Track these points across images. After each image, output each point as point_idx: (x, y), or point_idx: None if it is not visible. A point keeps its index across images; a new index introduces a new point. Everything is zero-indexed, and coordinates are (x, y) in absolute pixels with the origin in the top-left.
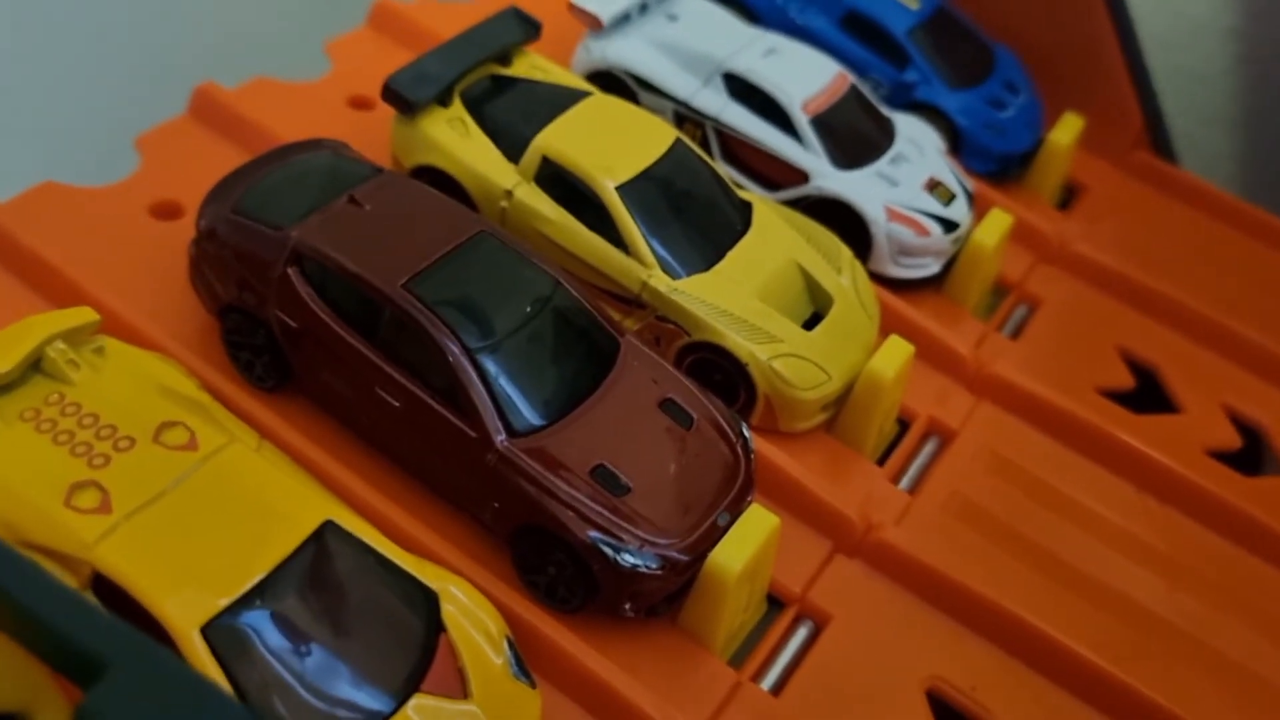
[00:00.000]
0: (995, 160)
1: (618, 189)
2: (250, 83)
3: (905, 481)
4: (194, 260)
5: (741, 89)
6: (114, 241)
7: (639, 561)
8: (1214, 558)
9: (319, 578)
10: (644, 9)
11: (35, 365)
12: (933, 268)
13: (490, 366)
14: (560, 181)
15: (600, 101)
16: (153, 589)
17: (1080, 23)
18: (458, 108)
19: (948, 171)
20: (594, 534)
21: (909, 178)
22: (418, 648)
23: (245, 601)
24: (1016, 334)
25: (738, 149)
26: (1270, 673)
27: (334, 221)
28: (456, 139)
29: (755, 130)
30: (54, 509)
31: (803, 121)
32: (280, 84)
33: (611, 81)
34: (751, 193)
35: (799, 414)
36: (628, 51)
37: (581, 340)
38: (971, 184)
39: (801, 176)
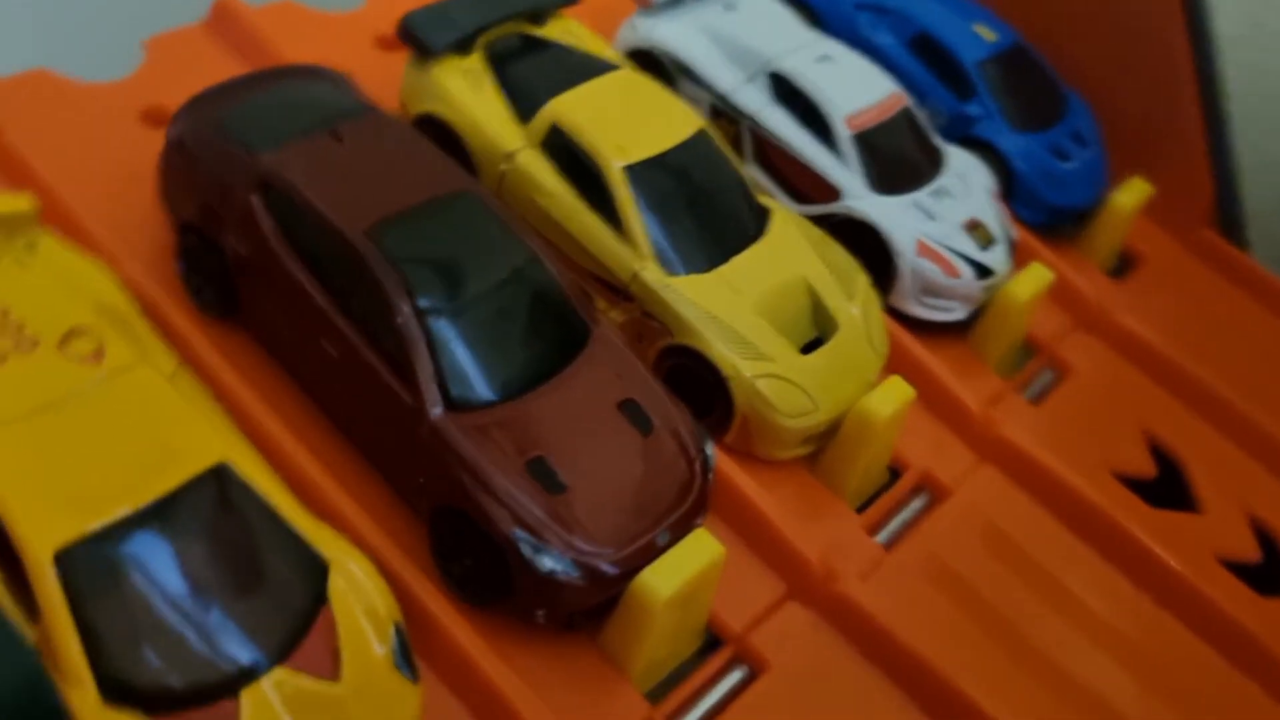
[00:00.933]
0: (1048, 212)
1: (624, 169)
2: (276, 4)
3: (883, 535)
4: (161, 170)
5: (786, 91)
6: (94, 140)
7: (559, 567)
8: (1201, 669)
9: (198, 521)
10: None
11: None
12: (958, 313)
13: (440, 332)
14: (567, 152)
15: (627, 77)
16: (11, 504)
17: (1164, 85)
18: (476, 59)
19: (992, 215)
20: (516, 530)
21: (948, 214)
22: (293, 618)
23: (111, 533)
24: (1038, 399)
25: (771, 154)
26: None
27: (309, 154)
28: (468, 91)
29: (792, 137)
30: None
31: (844, 135)
32: (306, 10)
33: (651, 62)
34: (774, 200)
35: (777, 441)
36: (674, 33)
37: (548, 322)
38: (1017, 233)
39: (833, 193)
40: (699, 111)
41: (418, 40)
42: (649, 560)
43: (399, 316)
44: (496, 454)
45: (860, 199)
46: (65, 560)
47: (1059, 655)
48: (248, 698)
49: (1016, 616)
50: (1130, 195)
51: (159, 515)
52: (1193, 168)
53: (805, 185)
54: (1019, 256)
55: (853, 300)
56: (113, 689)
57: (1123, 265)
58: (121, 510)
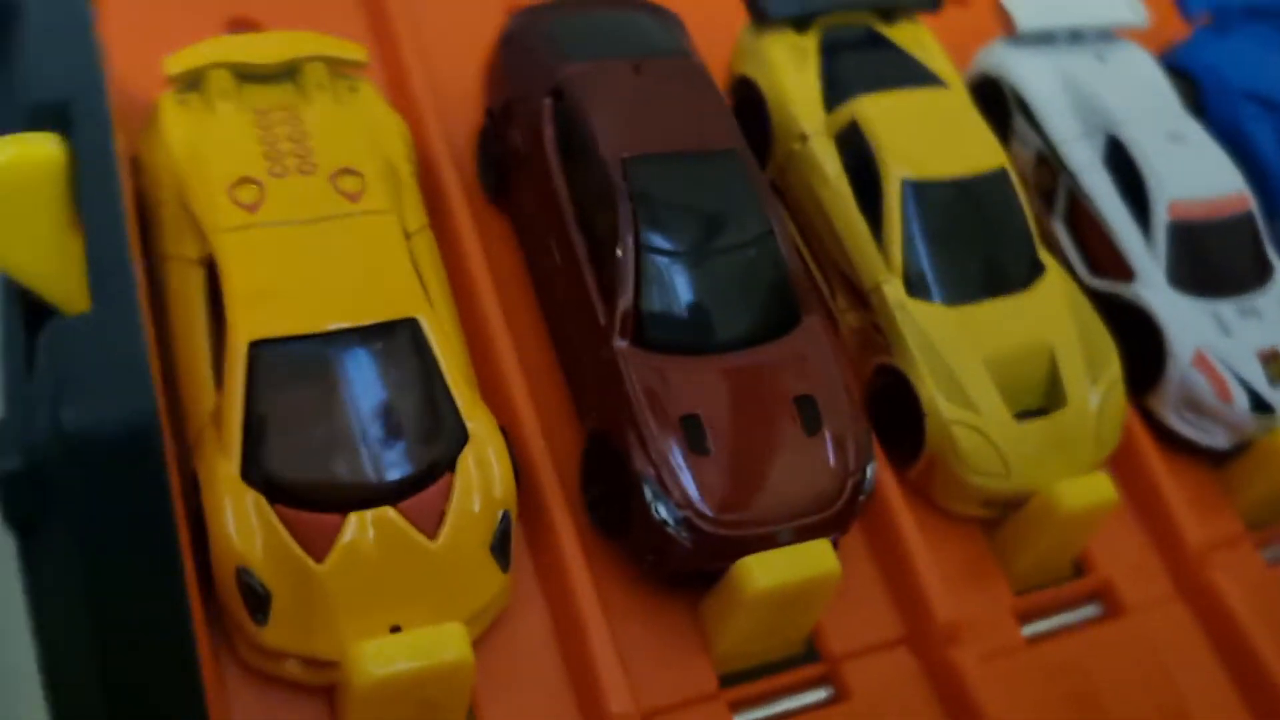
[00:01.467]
0: None
1: (904, 181)
2: None
3: (1031, 627)
4: (489, 58)
5: (1118, 158)
6: (458, 14)
7: (670, 519)
8: None
9: (373, 359)
10: (1076, 38)
11: (292, 72)
12: (1219, 440)
13: (650, 272)
14: (856, 149)
15: (947, 96)
16: (238, 292)
17: None
18: (810, 39)
19: None
20: (647, 470)
21: (1247, 335)
22: (419, 472)
23: (300, 343)
24: (1276, 561)
25: (1080, 214)
26: None
27: (606, 76)
28: (789, 66)
29: (1108, 205)
30: (217, 188)
31: (1161, 220)
32: None
33: (996, 90)
34: (1054, 260)
35: (957, 493)
36: (1028, 68)
37: (760, 298)
38: None
39: (1128, 274)
40: (1028, 153)
41: (758, 7)
42: (760, 549)
43: (620, 246)
44: (657, 397)
45: (1153, 289)
46: (256, 351)
47: None
48: (352, 521)
49: None
50: None
51: (343, 342)
52: None
53: (1103, 257)
54: None
55: (1095, 385)
56: (251, 468)
57: None
58: (315, 327)
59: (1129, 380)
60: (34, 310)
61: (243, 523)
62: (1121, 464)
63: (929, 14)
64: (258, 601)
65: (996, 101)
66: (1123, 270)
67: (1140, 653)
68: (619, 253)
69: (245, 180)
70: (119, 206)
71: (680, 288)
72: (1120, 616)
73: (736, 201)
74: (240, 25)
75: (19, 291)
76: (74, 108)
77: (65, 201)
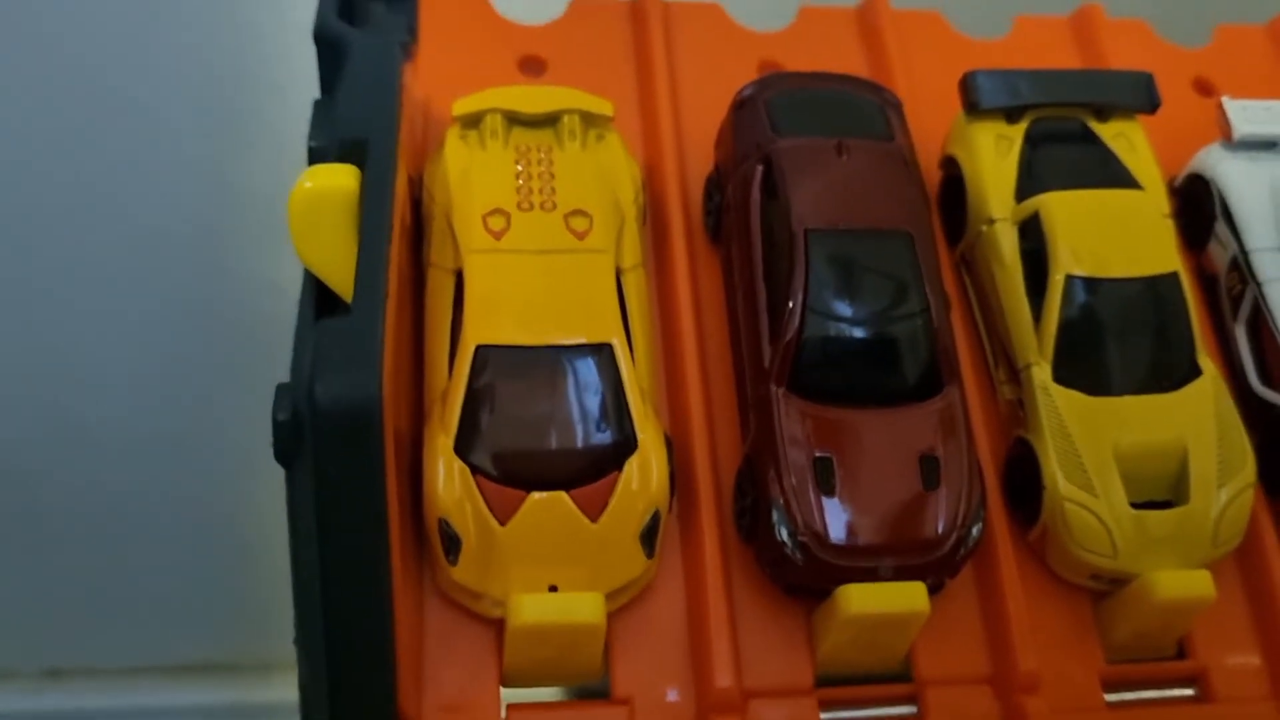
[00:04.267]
0: None
1: (1071, 277)
2: (920, 11)
3: (1117, 695)
4: (724, 118)
5: None
6: (717, 70)
7: (789, 540)
8: None
9: (572, 373)
10: None
11: (553, 120)
12: None
13: (813, 329)
14: (1036, 239)
15: (1137, 198)
16: (475, 303)
17: None
18: (1017, 130)
19: None
20: (779, 497)
21: None
22: (593, 467)
23: (514, 351)
24: None
25: (1262, 325)
26: None
27: (810, 153)
28: (991, 153)
29: None
30: (474, 215)
31: None
32: (945, 24)
33: (1204, 189)
34: (1212, 365)
35: (1065, 563)
36: (1237, 173)
37: (905, 364)
38: None
39: None
40: (1223, 258)
41: (970, 96)
42: (862, 580)
43: (791, 303)
44: (797, 438)
45: None
46: (480, 353)
47: None
48: (532, 497)
49: None
50: None
51: (549, 356)
52: None
53: (1274, 368)
54: None
55: (1223, 488)
56: (462, 443)
57: None
58: (526, 340)
59: (1273, 489)
60: (325, 300)
61: (449, 484)
62: (1244, 562)
63: (1147, 113)
64: (452, 545)
65: (1204, 202)
66: None
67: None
68: (790, 305)
69: (497, 211)
70: (387, 232)
71: (835, 345)
72: (1210, 704)
73: (899, 278)
74: (530, 63)
75: (317, 283)
76: (371, 146)
77: (354, 220)
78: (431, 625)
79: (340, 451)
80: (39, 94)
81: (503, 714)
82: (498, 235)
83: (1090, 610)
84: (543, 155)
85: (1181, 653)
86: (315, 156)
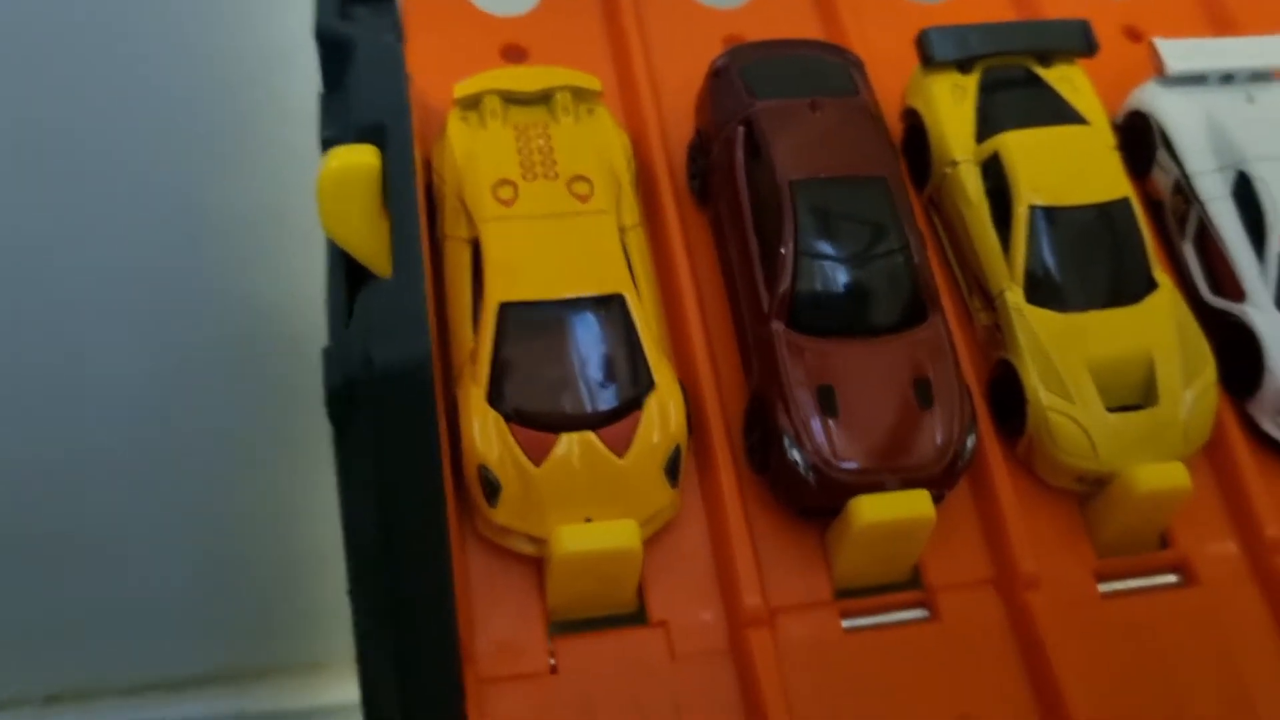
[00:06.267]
0: None
1: (1033, 207)
2: None
3: (1109, 585)
4: (701, 87)
5: (1244, 192)
6: (689, 48)
7: (801, 463)
8: None
9: (586, 322)
10: (1228, 79)
11: (546, 97)
12: None
13: (806, 271)
14: (998, 176)
15: (1085, 132)
16: (494, 267)
17: None
18: (970, 79)
19: None
20: (788, 426)
21: None
22: (616, 408)
23: (535, 306)
24: None
25: (1207, 240)
26: None
27: (787, 112)
28: (949, 102)
29: (1230, 233)
30: (483, 187)
31: (1275, 248)
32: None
33: (1144, 124)
34: (1167, 278)
35: (1051, 469)
36: (1172, 107)
37: (891, 297)
38: None
39: (1240, 295)
40: (1167, 183)
41: (926, 51)
42: (869, 490)
43: (784, 248)
44: (800, 371)
45: (1261, 310)
46: (504, 310)
47: None
48: (563, 439)
49: (1189, 716)
50: None
51: (567, 308)
52: None
53: (1223, 279)
54: None
55: (1188, 388)
56: (494, 395)
57: None
58: (546, 295)
59: (1233, 388)
60: (352, 272)
61: (485, 433)
62: (1215, 459)
63: (1085, 57)
64: (492, 490)
65: (1145, 134)
66: (1236, 292)
67: (1209, 622)
68: (782, 252)
69: (504, 182)
70: (414, 203)
71: (827, 284)
72: (1194, 587)
73: (879, 219)
74: (512, 50)
75: (344, 257)
76: (388, 128)
77: (378, 196)
78: (476, 569)
79: (398, 410)
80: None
81: (549, 645)
82: (508, 204)
83: (1078, 512)
84: (540, 129)
85: (1164, 544)
86: (328, 145)
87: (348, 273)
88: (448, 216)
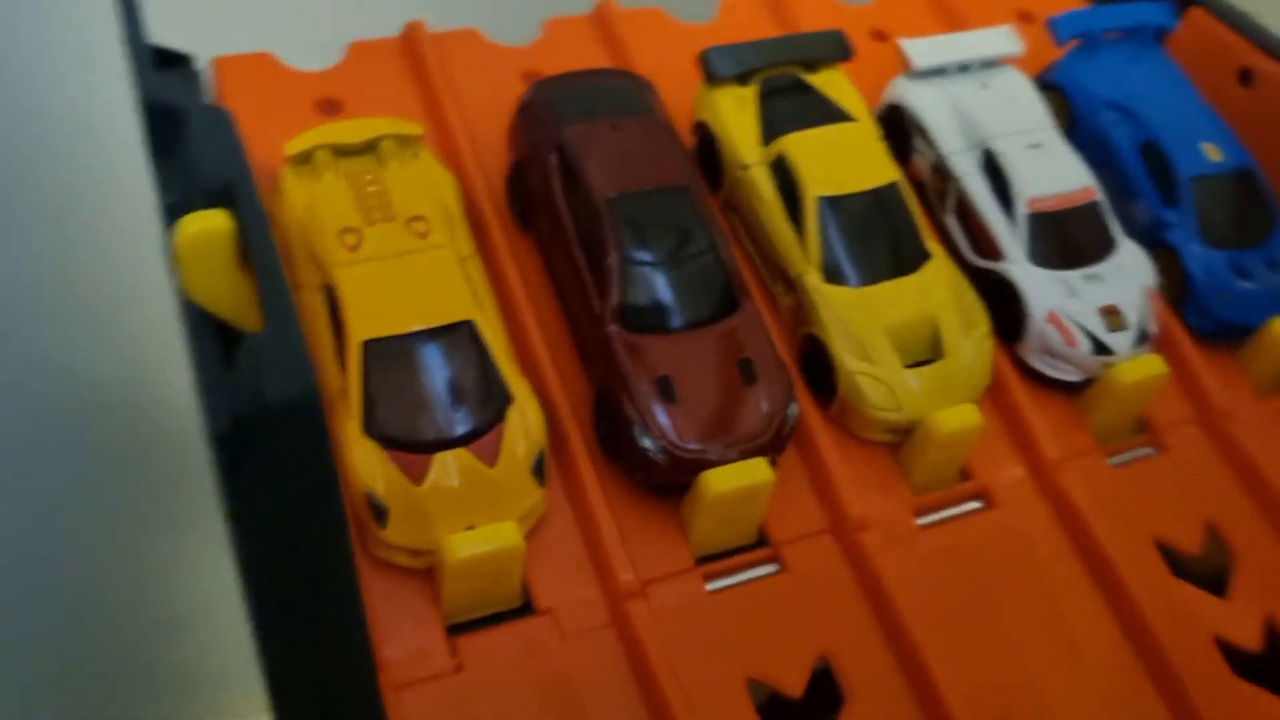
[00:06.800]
0: (1216, 323)
1: (819, 198)
2: (643, 9)
3: (925, 518)
4: (511, 120)
5: (992, 166)
6: (491, 89)
7: (652, 448)
8: (1140, 713)
9: (443, 349)
10: (965, 69)
11: (373, 146)
12: (1072, 376)
13: (632, 277)
14: (785, 174)
15: (853, 128)
16: (351, 308)
17: None
18: (749, 90)
19: (1135, 306)
20: (635, 416)
21: (1091, 296)
22: (481, 423)
23: (394, 340)
24: (1121, 466)
25: (966, 211)
26: None
27: (594, 134)
28: (734, 112)
29: (983, 203)
30: (330, 236)
31: (1021, 212)
32: (665, 17)
33: (899, 115)
34: (938, 247)
35: (863, 424)
36: (921, 98)
37: (708, 291)
38: (1156, 329)
39: (999, 255)
40: (926, 165)
41: (709, 69)
42: (715, 465)
43: (609, 258)
44: (638, 366)
45: (1017, 265)
46: (367, 347)
47: (1031, 664)
48: (439, 457)
49: (1007, 621)
50: None
51: (425, 339)
52: None
53: (983, 243)
54: (1172, 354)
55: (967, 339)
56: (369, 426)
57: None
58: (404, 329)
59: (1004, 335)
60: (219, 329)
61: (366, 462)
62: (997, 398)
63: (842, 62)
64: (380, 513)
65: (902, 124)
66: (996, 252)
67: (1010, 537)
68: (609, 263)
69: (348, 229)
70: (276, 256)
71: (652, 286)
72: (994, 509)
73: (689, 223)
74: (326, 103)
75: (208, 317)
76: (236, 189)
77: (235, 255)
78: (371, 588)
79: (298, 441)
80: None
81: (451, 646)
82: (355, 249)
83: (891, 459)
84: (371, 177)
85: (965, 476)
86: (174, 211)
87: (219, 330)
88: (299, 266)
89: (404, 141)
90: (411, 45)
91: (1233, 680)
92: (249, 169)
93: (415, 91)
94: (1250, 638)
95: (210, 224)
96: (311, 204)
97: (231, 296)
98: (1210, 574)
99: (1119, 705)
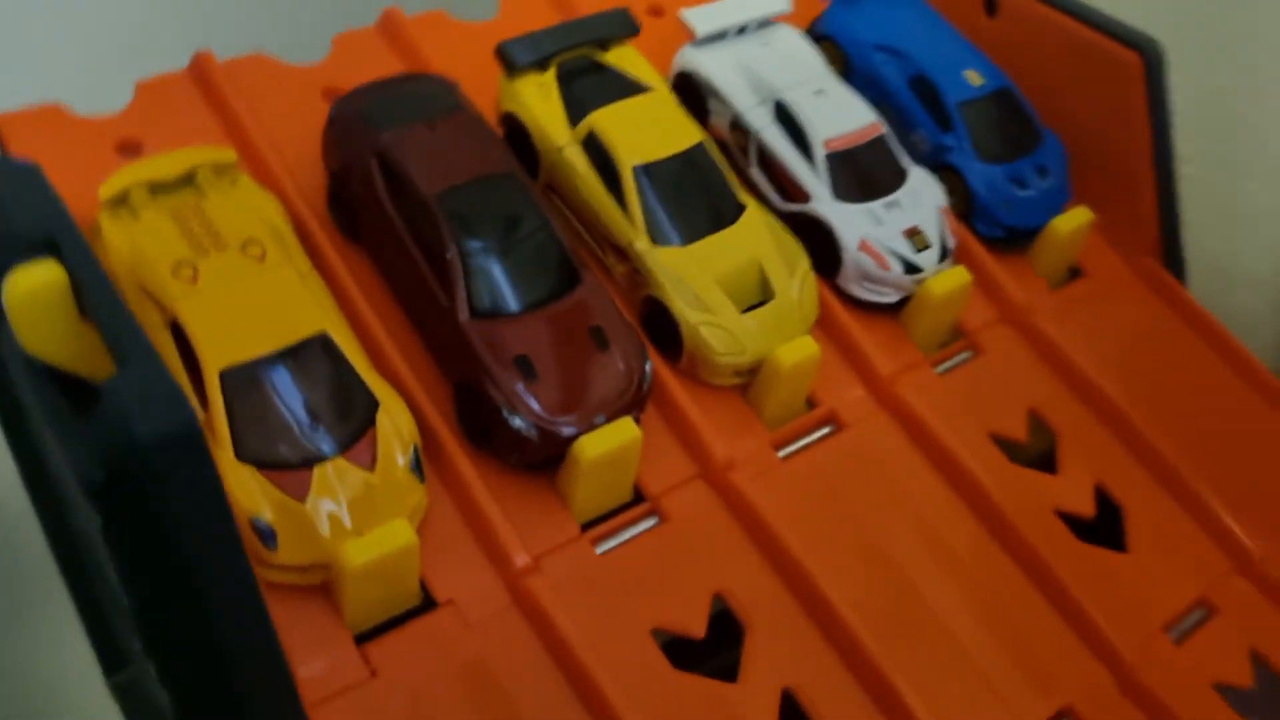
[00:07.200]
0: (1003, 229)
1: (635, 168)
2: (428, 14)
3: (784, 450)
4: (324, 135)
5: (784, 116)
6: (292, 110)
7: (523, 426)
8: (1018, 597)
9: (303, 365)
10: (743, 31)
11: (189, 178)
12: (891, 297)
13: (472, 266)
14: (598, 150)
15: (654, 97)
16: (202, 339)
17: (1125, 130)
18: (549, 76)
19: (934, 226)
20: (501, 399)
21: (894, 221)
22: (353, 431)
23: (252, 364)
24: (947, 372)
25: (769, 161)
26: (992, 675)
27: (412, 136)
28: (538, 99)
29: (783, 151)
30: (164, 272)
31: (820, 154)
32: (450, 19)
33: (692, 82)
34: (751, 199)
35: (712, 371)
36: (710, 62)
37: (549, 269)
38: (955, 242)
39: (806, 197)
40: (724, 124)
41: (507, 60)
42: (585, 432)
43: (448, 253)
44: (496, 349)
45: (824, 203)
46: (226, 376)
47: (905, 565)
48: (318, 470)
49: (875, 531)
50: (1068, 221)
51: (281, 358)
52: (1141, 203)
53: (789, 188)
54: (971, 263)
55: (793, 278)
56: (245, 451)
57: (1073, 278)
58: (260, 352)
59: (823, 270)
60: (63, 380)
61: (246, 488)
62: (827, 328)
63: (632, 37)
64: (268, 536)
65: (695, 89)
66: (802, 195)
67: (863, 453)
68: (448, 257)
69: (181, 263)
70: (118, 296)
71: (495, 272)
72: (845, 430)
73: (519, 207)
74: (126, 145)
75: (50, 370)
76: (60, 238)
77: (72, 303)
78: (272, 613)
79: (183, 479)
80: None
81: (361, 654)
82: (193, 281)
83: (743, 401)
84: (193, 209)
85: (812, 405)
86: None
87: (63, 382)
88: (136, 308)
89: (220, 169)
90: (203, 76)
91: (1076, 543)
92: (68, 214)
93: (215, 121)
94: (1084, 505)
95: (39, 278)
96: (136, 245)
97: (73, 348)
98: (1040, 455)
99: (985, 583)
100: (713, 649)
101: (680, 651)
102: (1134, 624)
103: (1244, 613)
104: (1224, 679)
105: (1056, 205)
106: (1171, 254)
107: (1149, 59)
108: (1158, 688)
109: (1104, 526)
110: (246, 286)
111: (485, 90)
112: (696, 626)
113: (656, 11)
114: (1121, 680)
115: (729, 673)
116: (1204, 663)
